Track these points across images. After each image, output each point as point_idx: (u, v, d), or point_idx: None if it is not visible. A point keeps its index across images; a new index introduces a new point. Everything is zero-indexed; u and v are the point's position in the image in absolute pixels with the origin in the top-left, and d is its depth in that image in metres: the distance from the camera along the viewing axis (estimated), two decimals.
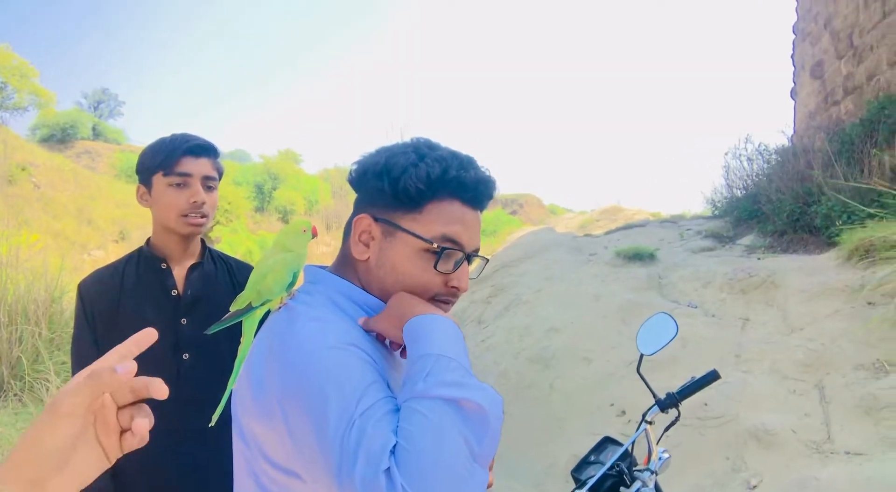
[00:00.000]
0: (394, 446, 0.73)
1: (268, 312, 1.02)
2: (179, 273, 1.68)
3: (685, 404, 1.75)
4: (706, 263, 6.17)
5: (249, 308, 0.99)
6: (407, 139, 1.03)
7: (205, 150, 1.67)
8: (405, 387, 0.80)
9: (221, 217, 18.77)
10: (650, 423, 1.71)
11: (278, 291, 0.98)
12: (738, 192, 9.13)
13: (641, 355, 1.77)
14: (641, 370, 1.78)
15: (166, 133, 1.71)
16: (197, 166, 1.64)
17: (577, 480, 1.68)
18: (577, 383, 4.82)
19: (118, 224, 19.12)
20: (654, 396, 1.74)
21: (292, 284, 1.00)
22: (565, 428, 4.44)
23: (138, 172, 1.68)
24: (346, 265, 1.03)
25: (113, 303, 1.62)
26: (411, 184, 0.94)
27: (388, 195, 0.97)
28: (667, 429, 1.77)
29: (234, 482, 0.98)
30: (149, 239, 1.71)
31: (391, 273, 0.97)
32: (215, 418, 1.05)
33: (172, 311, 1.64)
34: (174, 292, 1.65)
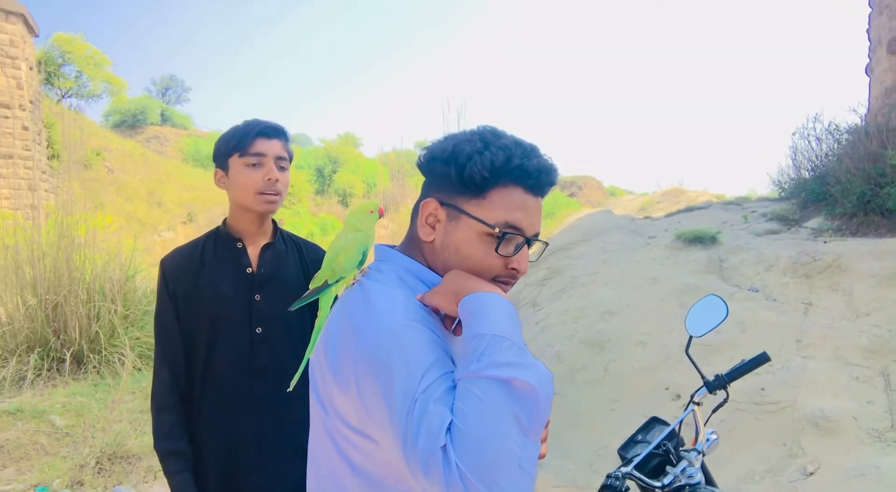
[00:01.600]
0: (450, 424, 0.79)
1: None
2: (254, 252, 1.80)
3: (741, 389, 1.76)
4: (770, 247, 6.02)
5: (326, 285, 1.10)
6: (473, 127, 1.08)
7: (276, 132, 1.79)
8: (460, 365, 0.86)
9: (284, 200, 19.28)
10: (698, 404, 1.74)
11: (350, 269, 1.07)
12: (806, 173, 8.80)
13: (690, 337, 1.79)
14: (691, 352, 1.80)
15: (233, 118, 1.82)
16: (270, 147, 1.75)
17: (623, 458, 1.72)
18: (632, 366, 4.81)
19: (187, 206, 19.83)
20: (703, 377, 1.75)
21: (363, 261, 1.09)
22: (619, 411, 4.45)
23: (215, 157, 1.81)
24: (413, 246, 1.10)
25: (192, 278, 1.75)
26: (476, 171, 1.00)
27: (454, 181, 1.02)
28: (714, 410, 1.78)
29: (309, 445, 1.09)
30: (225, 219, 1.84)
31: (455, 255, 1.04)
32: (293, 383, 1.17)
33: (247, 287, 1.76)
34: (249, 270, 1.78)
